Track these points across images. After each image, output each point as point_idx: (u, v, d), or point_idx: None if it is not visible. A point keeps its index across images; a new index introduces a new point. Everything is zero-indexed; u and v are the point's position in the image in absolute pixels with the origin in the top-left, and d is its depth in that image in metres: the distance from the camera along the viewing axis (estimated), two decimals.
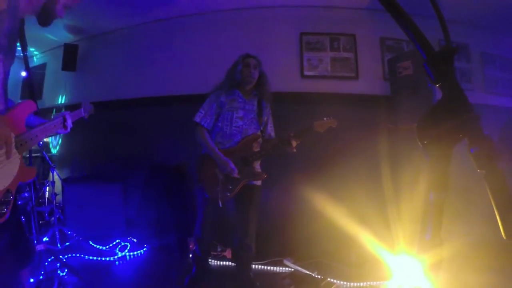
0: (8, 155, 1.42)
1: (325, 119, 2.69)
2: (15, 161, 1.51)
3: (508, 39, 4.74)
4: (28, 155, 3.22)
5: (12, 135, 1.48)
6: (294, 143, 2.63)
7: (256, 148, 2.73)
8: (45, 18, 1.70)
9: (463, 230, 3.12)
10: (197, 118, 2.74)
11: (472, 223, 3.25)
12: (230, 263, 3.10)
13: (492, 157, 0.69)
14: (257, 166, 2.78)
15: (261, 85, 2.84)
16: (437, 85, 0.72)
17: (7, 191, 1.46)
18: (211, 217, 2.78)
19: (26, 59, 1.90)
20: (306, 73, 4.04)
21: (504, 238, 0.69)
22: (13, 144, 1.48)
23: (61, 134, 5.05)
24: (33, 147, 3.27)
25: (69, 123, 1.85)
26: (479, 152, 0.69)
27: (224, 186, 2.61)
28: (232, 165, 2.59)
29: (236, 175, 2.60)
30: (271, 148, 2.71)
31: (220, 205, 2.58)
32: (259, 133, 2.80)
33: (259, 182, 2.79)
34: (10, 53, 1.56)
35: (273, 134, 2.93)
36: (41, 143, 3.73)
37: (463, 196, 2.97)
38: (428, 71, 0.73)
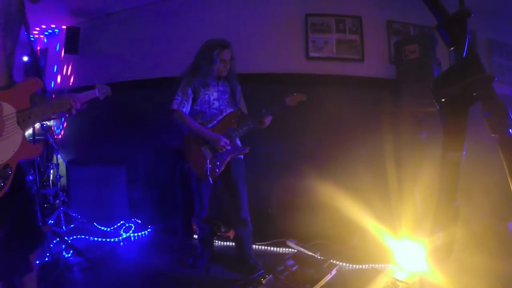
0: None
1: (295, 94, 2.84)
2: (17, 136, 1.51)
3: None
4: (32, 137, 3.25)
5: (14, 110, 1.49)
6: (266, 120, 2.80)
7: (235, 125, 2.83)
8: None
9: (463, 216, 3.11)
10: (175, 105, 2.78)
11: (473, 210, 3.26)
12: (233, 243, 3.12)
13: (506, 121, 0.68)
14: (238, 141, 2.89)
15: (231, 70, 2.89)
16: (451, 48, 0.72)
17: (6, 166, 1.46)
18: (207, 195, 2.86)
19: (30, 42, 1.88)
20: (311, 54, 3.99)
21: None
22: (15, 120, 1.49)
23: (65, 117, 5.06)
24: (37, 131, 3.32)
25: (77, 106, 1.80)
26: (493, 117, 0.68)
27: (212, 163, 2.68)
28: (224, 139, 2.68)
29: (228, 147, 2.71)
30: (248, 125, 2.81)
31: (211, 182, 2.64)
32: (237, 110, 2.92)
33: (242, 156, 2.90)
34: (9, 31, 1.55)
35: (245, 111, 3.03)
36: (44, 125, 3.74)
37: (464, 187, 2.95)
38: (443, 34, 0.72)
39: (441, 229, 0.74)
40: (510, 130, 0.68)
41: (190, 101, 2.81)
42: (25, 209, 1.64)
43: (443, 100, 0.68)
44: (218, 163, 2.70)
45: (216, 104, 2.84)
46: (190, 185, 2.92)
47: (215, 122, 2.81)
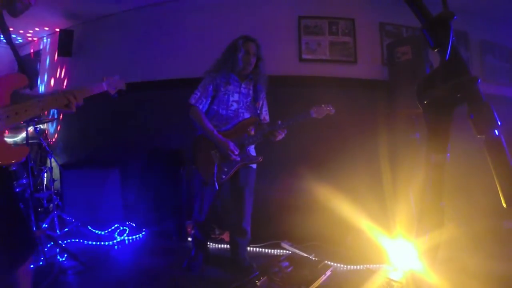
0: None
1: (323, 105, 2.70)
2: None
3: (507, 28, 4.71)
4: (25, 141, 3.22)
5: None
6: (279, 133, 2.64)
7: (251, 132, 2.72)
8: (11, 8, 1.61)
9: (458, 216, 3.14)
10: (192, 100, 2.71)
11: (471, 210, 3.28)
12: (228, 246, 3.12)
13: (491, 122, 0.68)
14: (252, 149, 2.80)
15: (257, 68, 2.80)
16: (436, 50, 0.72)
17: None
18: (209, 200, 2.79)
19: (14, 48, 1.78)
20: (304, 56, 4.01)
21: (504, 206, 0.69)
22: None
23: (57, 121, 5.03)
24: (30, 134, 3.29)
25: (79, 102, 1.63)
26: (478, 118, 0.69)
27: (220, 168, 2.61)
28: (232, 146, 2.58)
29: (237, 157, 2.60)
30: (262, 135, 2.68)
31: (217, 188, 2.58)
32: (255, 117, 2.79)
33: (254, 165, 2.81)
34: None
35: (267, 117, 2.93)
36: (37, 129, 3.71)
37: (462, 188, 2.98)
38: (427, 36, 0.73)
39: (427, 231, 0.75)
40: (496, 130, 0.69)
41: (209, 98, 2.73)
42: (12, 217, 1.51)
43: (425, 102, 0.69)
44: (226, 169, 2.62)
45: (235, 106, 2.74)
46: (193, 186, 2.88)
47: (229, 126, 2.71)
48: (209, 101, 2.75)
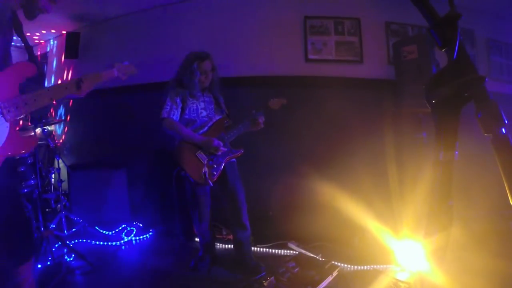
0: None
1: (275, 98, 2.92)
2: (1, 130, 1.38)
3: None
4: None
5: None
6: (260, 120, 2.82)
7: (225, 129, 2.84)
8: (29, 11, 1.62)
9: (463, 216, 3.13)
10: (165, 114, 2.75)
11: (473, 209, 3.26)
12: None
13: (499, 120, 0.69)
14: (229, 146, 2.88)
15: (213, 80, 2.90)
16: (444, 49, 0.73)
17: None
18: (206, 203, 2.86)
19: (29, 49, 1.80)
20: (310, 56, 4.00)
21: None
22: None
23: (65, 123, 5.08)
24: (37, 135, 3.32)
25: (86, 85, 1.67)
26: (486, 116, 0.69)
27: (209, 166, 2.68)
28: (216, 141, 2.68)
29: (224, 148, 2.71)
30: (239, 129, 2.81)
31: (211, 185, 2.64)
32: (225, 116, 2.94)
33: (234, 159, 2.89)
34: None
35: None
36: (45, 130, 3.73)
37: (464, 187, 2.96)
38: (435, 36, 0.74)
39: (436, 229, 0.75)
40: (503, 129, 0.69)
41: (180, 109, 2.80)
42: (14, 214, 1.51)
43: (433, 101, 0.69)
44: (215, 166, 2.69)
45: (204, 112, 2.85)
46: (187, 195, 2.91)
47: (206, 128, 2.81)
48: (179, 111, 2.81)
